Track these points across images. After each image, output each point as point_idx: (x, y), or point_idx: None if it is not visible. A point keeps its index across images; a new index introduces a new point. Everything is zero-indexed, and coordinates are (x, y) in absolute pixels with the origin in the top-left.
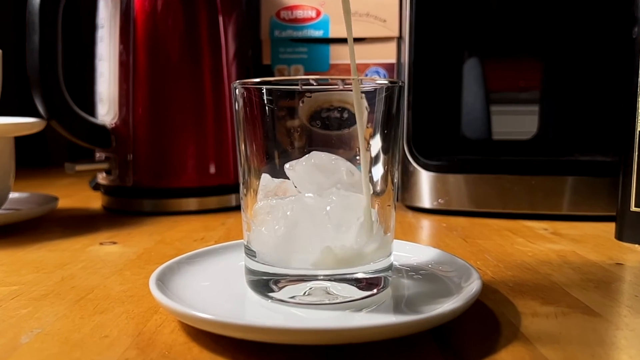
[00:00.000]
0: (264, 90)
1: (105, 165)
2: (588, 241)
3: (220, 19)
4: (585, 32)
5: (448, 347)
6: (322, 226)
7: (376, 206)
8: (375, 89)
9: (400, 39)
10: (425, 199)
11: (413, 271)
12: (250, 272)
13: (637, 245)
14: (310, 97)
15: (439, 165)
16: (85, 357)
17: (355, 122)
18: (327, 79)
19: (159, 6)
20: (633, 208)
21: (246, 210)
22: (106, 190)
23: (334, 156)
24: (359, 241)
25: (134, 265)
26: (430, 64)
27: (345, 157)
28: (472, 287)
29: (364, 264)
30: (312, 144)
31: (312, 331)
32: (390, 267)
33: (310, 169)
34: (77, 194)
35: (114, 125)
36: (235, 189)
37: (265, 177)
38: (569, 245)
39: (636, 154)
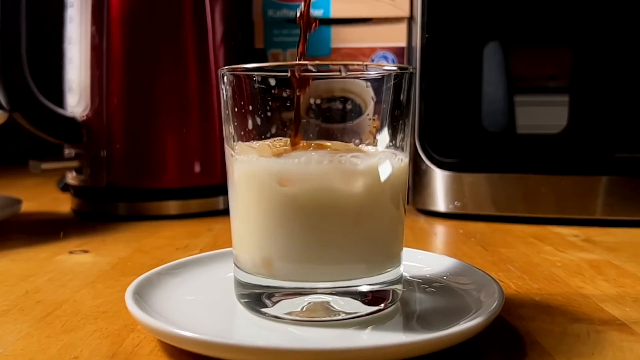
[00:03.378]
0: (256, 77)
1: (75, 163)
2: (625, 249)
3: None
4: (624, 9)
5: None
6: None
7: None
8: (383, 77)
9: (411, 19)
10: (440, 202)
11: (425, 284)
12: (240, 284)
13: None
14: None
15: (455, 163)
16: None
17: (361, 114)
18: (327, 65)
19: None
20: None
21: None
22: (76, 191)
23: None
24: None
25: (108, 277)
26: (445, 48)
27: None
28: (493, 301)
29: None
30: (310, 138)
31: (311, 352)
32: (399, 279)
33: None
34: (44, 196)
35: (85, 117)
36: (223, 191)
37: None
38: (603, 254)
39: None
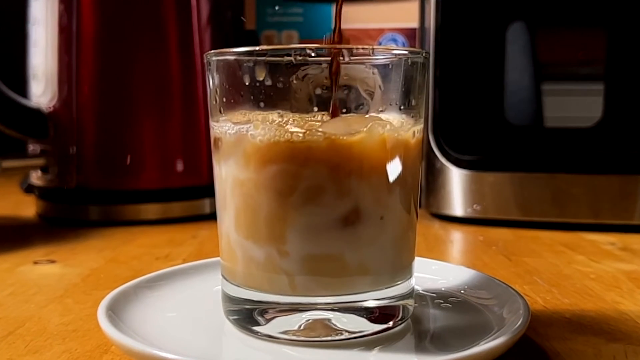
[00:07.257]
0: (247, 63)
1: (40, 161)
2: None
3: None
4: None
5: None
6: None
7: None
8: (391, 62)
9: None
10: (457, 205)
11: (440, 298)
12: (229, 299)
13: None
14: (308, 71)
15: (475, 160)
16: None
17: (365, 106)
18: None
19: None
20: None
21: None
22: (42, 193)
23: None
24: None
25: (78, 291)
26: (463, 29)
27: None
28: (518, 319)
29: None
30: None
31: None
32: (410, 294)
33: None
34: (4, 199)
35: (52, 109)
36: (209, 192)
37: None
38: None
39: None
